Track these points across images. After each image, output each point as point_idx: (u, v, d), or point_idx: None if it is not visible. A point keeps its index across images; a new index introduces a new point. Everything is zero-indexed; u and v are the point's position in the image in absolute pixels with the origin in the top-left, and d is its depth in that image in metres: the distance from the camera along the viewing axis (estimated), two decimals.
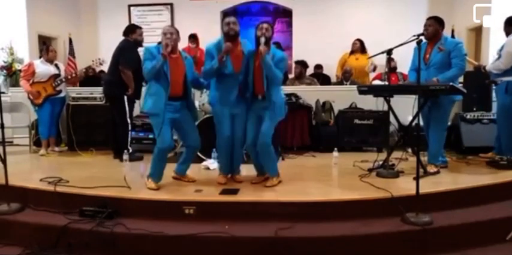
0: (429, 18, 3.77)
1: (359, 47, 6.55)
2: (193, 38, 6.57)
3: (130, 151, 4.52)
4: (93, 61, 5.13)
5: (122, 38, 4.69)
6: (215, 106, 3.45)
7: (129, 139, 4.57)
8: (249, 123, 3.43)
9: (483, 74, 4.42)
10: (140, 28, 4.68)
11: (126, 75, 4.41)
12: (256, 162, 3.53)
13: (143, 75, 3.35)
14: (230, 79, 3.35)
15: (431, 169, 3.69)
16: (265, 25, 3.27)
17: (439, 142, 3.79)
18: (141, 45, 4.62)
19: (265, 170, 3.49)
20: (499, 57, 4.11)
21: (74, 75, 5.24)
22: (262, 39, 3.17)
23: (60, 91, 5.01)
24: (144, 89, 4.05)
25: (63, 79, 5.02)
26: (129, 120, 4.54)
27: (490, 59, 4.54)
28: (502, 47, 4.12)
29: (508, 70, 4.03)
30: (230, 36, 3.31)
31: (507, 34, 4.16)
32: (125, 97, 4.47)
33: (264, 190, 3.26)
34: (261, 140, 3.27)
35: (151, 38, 7.39)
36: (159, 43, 3.37)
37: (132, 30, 4.60)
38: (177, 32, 3.31)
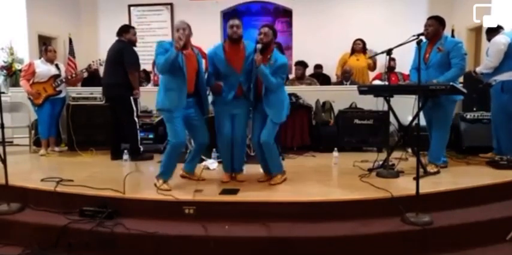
0: (430, 18, 3.77)
1: (361, 48, 6.55)
2: None
3: (142, 150, 4.57)
4: (93, 61, 5.14)
5: None
6: (215, 105, 3.49)
7: (139, 138, 4.59)
8: (254, 122, 3.46)
9: (475, 78, 4.48)
10: (133, 28, 4.72)
11: (134, 76, 4.47)
12: (262, 160, 3.54)
13: (157, 69, 3.34)
14: (231, 79, 3.37)
15: (432, 169, 3.69)
16: (264, 29, 3.27)
17: (441, 142, 3.80)
18: (135, 45, 4.68)
19: (269, 168, 3.51)
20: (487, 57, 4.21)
21: (74, 75, 5.25)
22: (259, 46, 3.18)
23: (60, 92, 5.02)
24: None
25: (64, 80, 5.03)
26: (136, 119, 4.56)
27: None
28: (488, 49, 4.22)
29: (499, 69, 4.08)
30: (233, 40, 3.34)
31: (489, 40, 4.26)
32: (131, 97, 4.50)
33: (264, 190, 3.26)
34: (262, 139, 3.31)
35: (151, 38, 7.43)
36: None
37: (125, 30, 4.62)
38: (189, 27, 3.29)
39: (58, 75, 5.01)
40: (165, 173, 3.35)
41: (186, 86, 3.23)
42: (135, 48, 4.65)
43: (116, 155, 4.55)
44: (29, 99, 4.94)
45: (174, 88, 3.22)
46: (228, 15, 7.74)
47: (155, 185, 3.31)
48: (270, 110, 3.31)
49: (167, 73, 3.22)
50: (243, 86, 3.39)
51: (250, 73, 3.38)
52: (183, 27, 3.23)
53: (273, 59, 3.26)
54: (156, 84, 5.90)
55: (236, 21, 3.33)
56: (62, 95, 5.08)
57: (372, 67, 6.56)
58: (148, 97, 4.66)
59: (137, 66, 4.60)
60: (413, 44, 3.23)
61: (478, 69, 4.36)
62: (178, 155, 3.40)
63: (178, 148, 3.36)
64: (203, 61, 3.52)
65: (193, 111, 3.39)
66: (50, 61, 5.04)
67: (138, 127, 4.59)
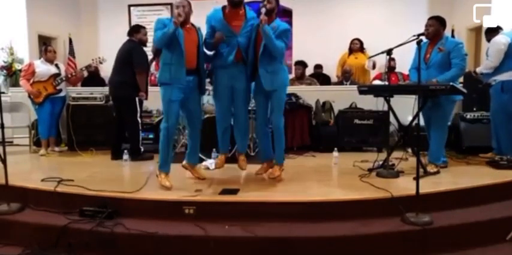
0: (430, 18, 3.78)
1: (359, 47, 6.56)
2: None
3: (142, 150, 4.57)
4: (93, 60, 5.14)
5: (122, 37, 4.71)
6: (215, 71, 3.47)
7: (140, 138, 4.60)
8: (258, 104, 3.48)
9: (475, 78, 4.48)
10: (144, 28, 4.72)
11: (142, 77, 4.48)
12: (262, 145, 3.57)
13: (155, 43, 3.34)
14: (229, 39, 3.33)
15: (432, 169, 3.69)
16: None
17: (440, 142, 3.80)
18: (145, 45, 4.69)
19: (273, 155, 3.53)
20: (487, 57, 4.21)
21: (74, 74, 5.26)
22: (263, 9, 3.18)
23: (60, 90, 5.03)
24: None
25: (64, 78, 5.03)
26: (139, 120, 4.57)
27: None
28: (488, 49, 4.23)
29: (499, 69, 4.09)
30: (234, 4, 3.32)
31: (489, 40, 4.27)
32: (136, 98, 4.51)
33: (264, 190, 3.26)
34: (273, 119, 3.38)
35: (150, 38, 7.41)
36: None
37: (136, 30, 4.64)
38: (189, 4, 3.29)
39: (58, 74, 5.02)
40: (163, 165, 3.35)
41: (184, 60, 3.22)
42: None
43: (117, 155, 4.55)
44: (30, 97, 4.95)
45: (173, 62, 3.22)
46: None
47: (156, 176, 3.34)
48: (268, 75, 3.29)
49: (165, 47, 3.23)
50: (242, 50, 3.36)
51: (249, 38, 3.35)
52: (183, 4, 3.23)
53: (276, 25, 3.27)
54: (153, 84, 5.90)
55: (184, 2, 3.28)
56: (62, 94, 5.09)
57: (372, 67, 6.55)
58: (148, 96, 4.66)
59: (146, 66, 4.62)
60: (414, 44, 3.23)
61: (478, 69, 4.37)
62: (172, 141, 3.40)
63: (170, 132, 3.32)
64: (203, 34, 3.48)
65: (190, 94, 3.36)
66: (50, 61, 5.04)
67: (140, 127, 4.60)
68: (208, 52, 3.44)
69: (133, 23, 7.43)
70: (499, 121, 4.16)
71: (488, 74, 4.21)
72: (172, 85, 3.23)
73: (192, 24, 3.38)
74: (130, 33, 4.65)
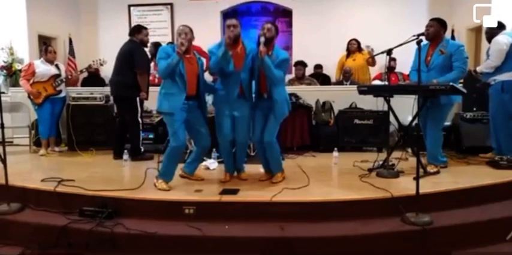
0: (431, 19, 3.78)
1: (357, 47, 6.56)
2: None
3: (142, 150, 4.58)
4: (93, 61, 5.14)
5: (122, 37, 4.71)
6: (216, 105, 3.49)
7: (141, 138, 4.61)
8: (256, 120, 3.48)
9: (474, 78, 4.48)
10: (146, 29, 4.73)
11: (143, 77, 4.49)
12: (263, 159, 3.58)
13: (159, 73, 3.37)
14: (232, 77, 3.36)
15: (431, 169, 3.70)
16: (267, 25, 3.29)
17: (436, 142, 3.81)
18: (146, 46, 4.71)
19: (270, 167, 3.55)
20: (488, 57, 4.20)
21: (73, 74, 5.26)
22: (262, 39, 3.19)
23: (60, 91, 5.02)
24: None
25: (64, 79, 5.03)
26: (140, 120, 4.58)
27: None
28: (489, 49, 4.22)
29: (499, 69, 4.08)
30: (232, 39, 3.33)
31: (490, 38, 4.24)
32: (137, 98, 4.51)
33: (263, 190, 3.26)
34: (265, 139, 3.36)
35: (151, 38, 7.41)
36: (170, 43, 3.38)
37: (138, 31, 4.64)
38: (191, 32, 3.31)
39: (58, 75, 5.02)
40: (166, 175, 3.35)
41: (186, 91, 3.24)
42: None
43: (119, 155, 4.54)
44: (29, 98, 4.95)
45: (174, 93, 3.24)
46: (228, 15, 7.74)
47: (155, 185, 3.32)
48: (275, 105, 3.32)
49: (168, 77, 3.24)
50: (243, 84, 3.39)
51: (250, 71, 3.39)
52: (185, 32, 3.25)
53: (274, 55, 3.28)
54: (153, 84, 5.91)
55: (233, 21, 3.33)
56: (62, 95, 5.08)
57: (371, 62, 6.54)
58: (148, 97, 4.66)
59: (147, 67, 4.63)
60: (414, 45, 3.23)
61: (478, 68, 4.35)
62: (179, 158, 3.41)
63: (178, 151, 3.36)
64: (204, 61, 3.51)
65: (193, 114, 3.38)
66: (50, 62, 5.03)
67: (141, 127, 4.61)
68: (209, 81, 3.48)
69: (133, 23, 7.46)
70: (499, 121, 4.16)
71: (488, 74, 4.21)
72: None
73: (194, 53, 3.39)
74: (131, 33, 4.64)
